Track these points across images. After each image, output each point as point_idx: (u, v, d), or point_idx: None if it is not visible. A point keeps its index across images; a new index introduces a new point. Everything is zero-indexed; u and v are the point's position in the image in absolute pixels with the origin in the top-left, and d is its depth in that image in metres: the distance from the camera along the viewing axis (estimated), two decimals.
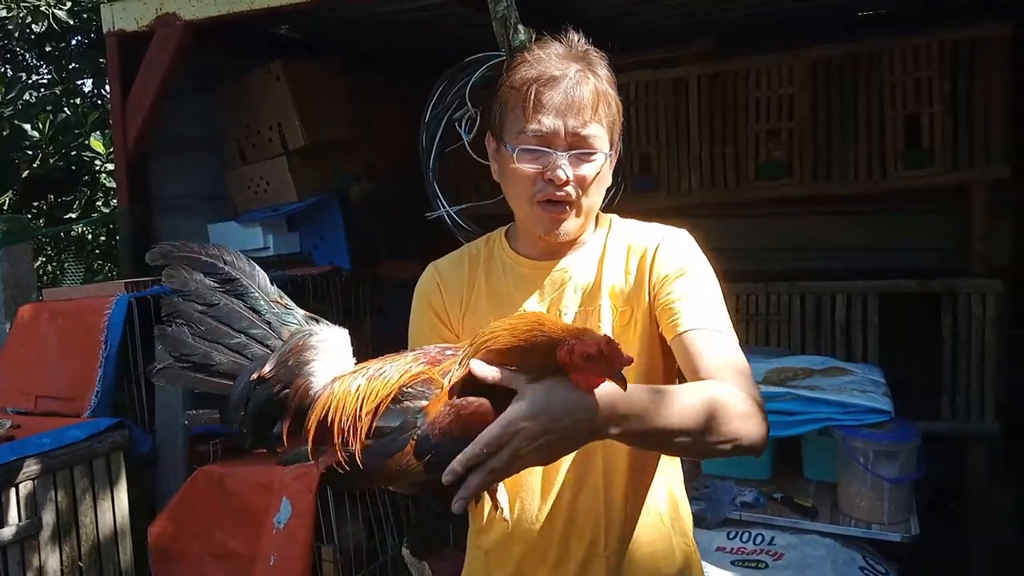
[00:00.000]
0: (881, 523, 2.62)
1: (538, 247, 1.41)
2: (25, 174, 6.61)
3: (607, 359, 1.01)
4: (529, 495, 1.40)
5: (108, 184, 5.82)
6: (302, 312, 1.18)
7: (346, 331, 1.19)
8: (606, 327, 1.37)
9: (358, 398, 1.08)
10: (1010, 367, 4.05)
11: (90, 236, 5.28)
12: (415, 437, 1.03)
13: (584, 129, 1.30)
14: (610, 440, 1.34)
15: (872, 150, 4.02)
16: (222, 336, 1.12)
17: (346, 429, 1.07)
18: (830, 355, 3.74)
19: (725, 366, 1.23)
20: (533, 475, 1.39)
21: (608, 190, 1.41)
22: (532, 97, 1.30)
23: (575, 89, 1.30)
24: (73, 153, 5.43)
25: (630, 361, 1.04)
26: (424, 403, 1.07)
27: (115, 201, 3.86)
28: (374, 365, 1.13)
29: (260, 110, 3.77)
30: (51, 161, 5.46)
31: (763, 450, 1.19)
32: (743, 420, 1.15)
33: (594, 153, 1.32)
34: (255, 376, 1.10)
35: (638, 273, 1.38)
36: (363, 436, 1.06)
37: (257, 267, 1.17)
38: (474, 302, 1.44)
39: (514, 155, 1.32)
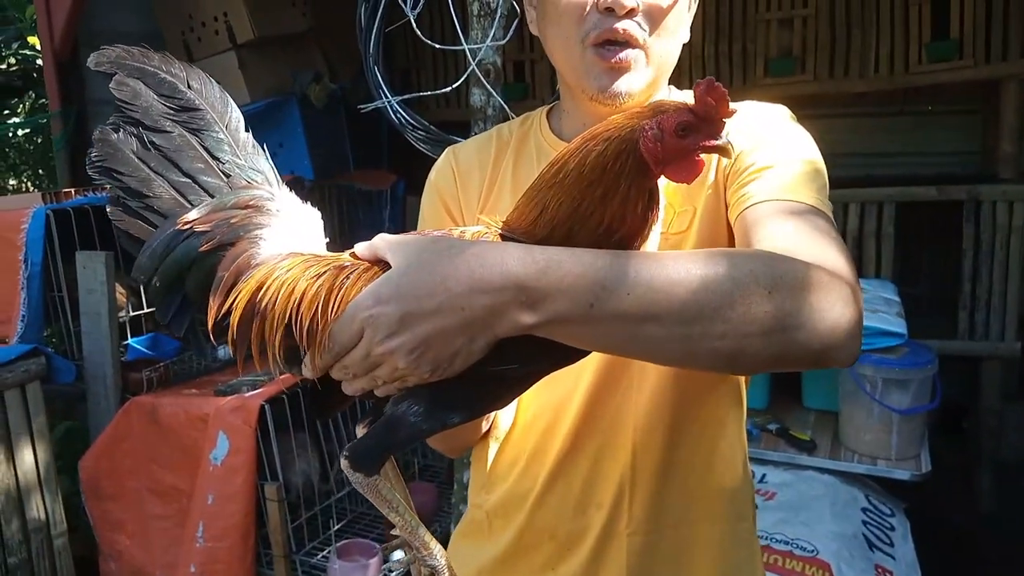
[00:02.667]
0: (888, 459, 2.35)
1: (586, 125, 1.02)
2: None
3: (712, 110, 0.73)
4: (537, 450, 1.08)
5: None
6: (277, 176, 0.92)
7: (319, 214, 0.93)
8: (655, 233, 0.98)
9: (323, 289, 0.78)
10: None
11: (35, 144, 4.90)
12: None
13: None
14: (646, 388, 1.01)
15: (895, 42, 3.63)
16: (168, 171, 0.87)
17: (300, 330, 0.78)
18: None
19: (785, 238, 0.81)
20: (541, 427, 1.07)
21: None
22: None
23: None
24: (21, 53, 4.99)
25: (733, 112, 0.75)
26: None
27: None
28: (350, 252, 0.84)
29: None
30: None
31: (850, 351, 0.75)
32: (786, 296, 0.71)
33: None
34: (183, 222, 0.84)
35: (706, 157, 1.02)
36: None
37: (232, 104, 0.92)
38: (496, 197, 1.11)
39: None
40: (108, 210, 0.86)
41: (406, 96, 2.08)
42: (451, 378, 0.75)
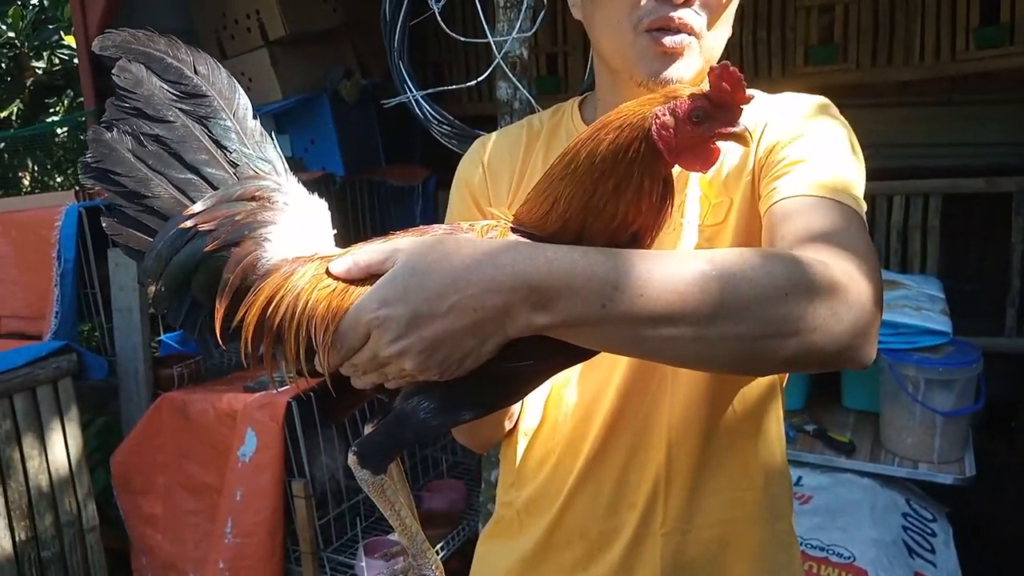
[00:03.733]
0: (930, 462, 2.26)
1: None
2: (30, 81, 6.35)
3: (727, 96, 0.72)
4: (568, 447, 1.05)
5: None
6: (285, 165, 0.89)
7: (326, 204, 0.91)
8: (690, 226, 0.97)
9: (333, 296, 0.76)
10: None
11: (77, 142, 4.99)
12: None
13: None
14: (681, 384, 0.98)
15: (941, 27, 3.49)
16: (168, 167, 0.83)
17: (314, 337, 0.76)
18: (883, 265, 3.32)
19: (807, 237, 0.79)
20: (572, 423, 1.04)
21: None
22: None
23: None
24: (62, 54, 5.09)
25: (750, 98, 0.73)
26: None
27: None
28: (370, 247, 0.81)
29: None
30: (33, 62, 5.10)
31: (865, 354, 0.74)
32: (801, 298, 0.70)
33: None
34: (188, 214, 0.81)
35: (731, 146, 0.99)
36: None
37: (240, 90, 0.88)
38: (525, 188, 1.07)
39: None
40: (104, 222, 0.83)
41: (430, 90, 2.05)
42: (462, 375, 0.73)
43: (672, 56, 0.95)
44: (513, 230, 0.78)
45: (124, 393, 2.59)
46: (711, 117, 0.72)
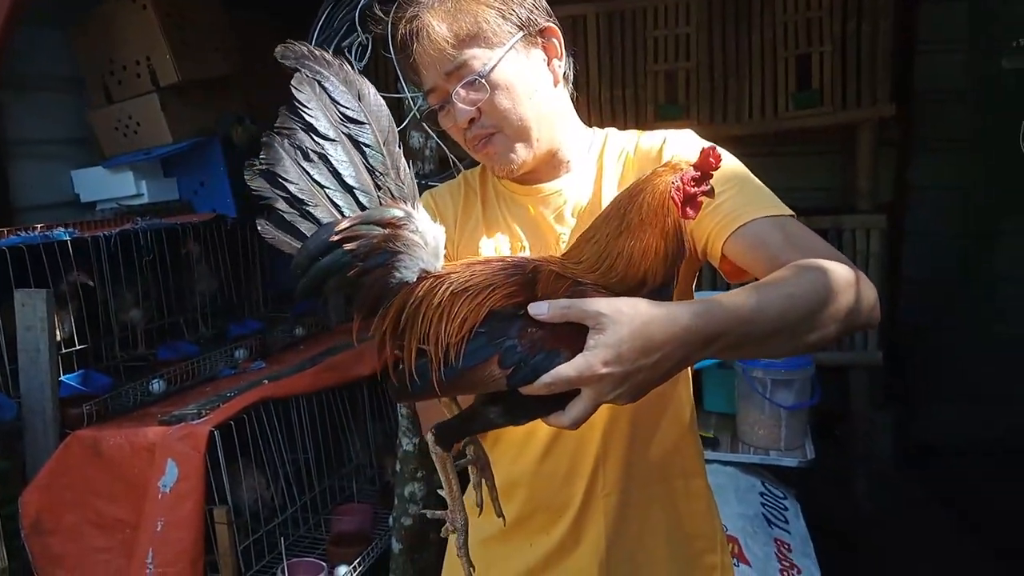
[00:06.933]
0: (778, 449, 2.70)
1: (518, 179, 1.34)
2: None
3: (710, 167, 0.99)
4: (527, 440, 1.33)
5: None
6: (415, 191, 1.02)
7: (443, 229, 1.05)
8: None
9: (443, 314, 0.97)
10: (888, 301, 4.27)
11: None
12: (501, 348, 0.94)
13: (453, 64, 1.20)
14: None
15: (765, 91, 4.07)
16: (328, 182, 0.96)
17: (426, 344, 0.98)
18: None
19: (815, 249, 1.08)
20: None
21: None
22: (406, 65, 1.25)
23: (425, 33, 1.19)
24: None
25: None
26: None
27: None
28: (464, 275, 1.00)
29: (125, 43, 3.43)
30: None
31: (879, 315, 1.06)
32: (849, 290, 1.01)
33: (475, 78, 1.20)
34: (337, 235, 0.95)
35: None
36: (443, 358, 0.97)
37: (389, 116, 0.99)
38: (470, 231, 1.36)
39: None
40: (259, 224, 0.96)
41: None
42: (530, 396, 0.95)
43: (493, 157, 1.27)
44: (577, 282, 0.99)
45: (30, 433, 2.57)
46: (699, 182, 1.01)
